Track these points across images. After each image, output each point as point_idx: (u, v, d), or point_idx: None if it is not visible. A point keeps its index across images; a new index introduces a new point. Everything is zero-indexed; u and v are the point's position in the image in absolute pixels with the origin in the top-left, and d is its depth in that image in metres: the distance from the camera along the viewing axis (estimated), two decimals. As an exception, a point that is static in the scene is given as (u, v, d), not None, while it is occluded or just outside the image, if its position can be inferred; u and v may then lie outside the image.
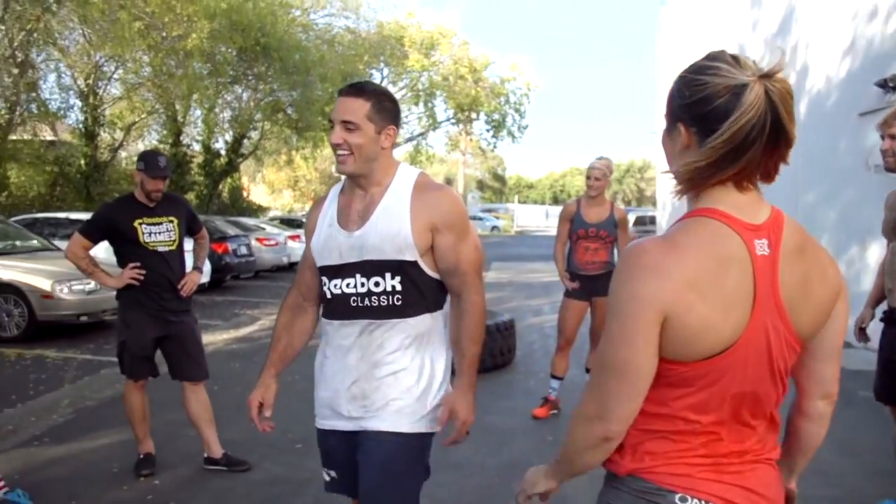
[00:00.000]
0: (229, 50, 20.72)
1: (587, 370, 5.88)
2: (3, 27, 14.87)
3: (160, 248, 4.47)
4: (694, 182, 1.46)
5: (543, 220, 58.91)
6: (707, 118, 1.41)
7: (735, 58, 1.43)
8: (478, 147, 46.27)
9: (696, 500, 1.47)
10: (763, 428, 1.54)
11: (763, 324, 1.43)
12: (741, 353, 1.43)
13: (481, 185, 75.98)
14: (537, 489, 1.72)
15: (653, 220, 25.96)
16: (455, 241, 2.38)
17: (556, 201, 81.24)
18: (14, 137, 18.87)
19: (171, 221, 4.55)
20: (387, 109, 2.37)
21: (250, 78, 23.98)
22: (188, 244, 4.72)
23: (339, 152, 2.33)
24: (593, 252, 5.63)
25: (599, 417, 1.48)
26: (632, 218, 25.44)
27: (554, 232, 6.01)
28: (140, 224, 4.43)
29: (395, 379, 2.38)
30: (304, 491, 4.29)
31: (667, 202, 19.90)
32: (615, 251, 5.66)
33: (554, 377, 5.85)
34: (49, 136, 20.66)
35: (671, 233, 1.47)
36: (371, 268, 2.35)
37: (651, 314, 1.39)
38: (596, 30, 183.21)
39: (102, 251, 5.30)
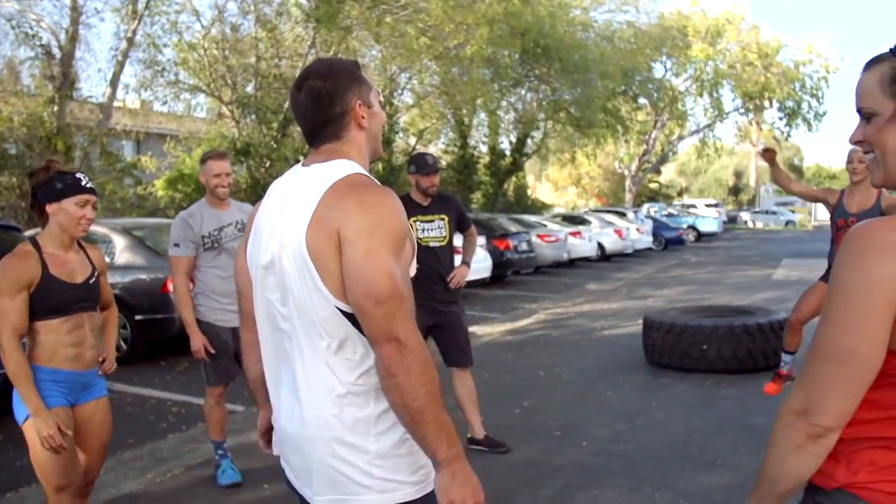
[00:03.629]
0: (511, 54, 21.51)
1: None
2: (314, 50, 16.80)
3: (432, 244, 4.93)
4: None
5: (848, 213, 53.69)
6: None
7: None
8: (771, 137, 43.50)
9: None
10: None
11: None
12: None
13: (776, 177, 70.99)
14: None
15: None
16: None
17: (864, 192, 73.57)
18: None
19: (443, 219, 4.99)
20: None
21: (532, 79, 24.74)
22: (458, 240, 5.14)
23: None
24: None
25: (809, 411, 1.27)
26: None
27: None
28: (415, 221, 4.91)
29: None
30: (557, 475, 4.52)
31: None
32: None
33: (786, 352, 5.65)
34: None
35: None
36: None
37: (885, 298, 1.22)
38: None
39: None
